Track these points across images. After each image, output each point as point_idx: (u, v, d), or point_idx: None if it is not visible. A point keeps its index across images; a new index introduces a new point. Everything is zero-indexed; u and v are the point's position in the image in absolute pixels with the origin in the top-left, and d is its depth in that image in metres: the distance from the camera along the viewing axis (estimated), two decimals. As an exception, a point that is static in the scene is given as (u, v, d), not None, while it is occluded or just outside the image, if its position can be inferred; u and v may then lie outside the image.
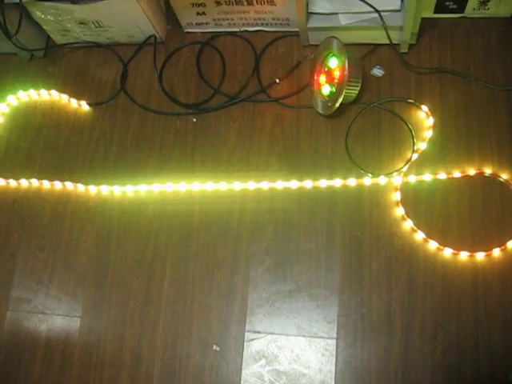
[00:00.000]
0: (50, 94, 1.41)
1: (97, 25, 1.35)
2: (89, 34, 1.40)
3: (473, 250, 1.12)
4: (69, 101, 1.40)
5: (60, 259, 1.26)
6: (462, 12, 1.27)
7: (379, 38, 1.25)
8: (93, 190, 1.30)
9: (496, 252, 1.11)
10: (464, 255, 1.12)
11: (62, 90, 1.41)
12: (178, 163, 1.29)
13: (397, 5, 1.20)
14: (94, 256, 1.25)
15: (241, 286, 1.17)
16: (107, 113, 1.37)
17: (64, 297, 1.23)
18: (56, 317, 1.22)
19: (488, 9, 1.24)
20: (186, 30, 1.40)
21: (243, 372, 1.12)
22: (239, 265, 1.19)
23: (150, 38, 1.39)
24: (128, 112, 1.36)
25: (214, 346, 1.14)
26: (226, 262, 1.20)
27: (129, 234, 1.25)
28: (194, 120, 1.32)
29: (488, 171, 1.16)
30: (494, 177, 1.16)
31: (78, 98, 1.40)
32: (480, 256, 1.11)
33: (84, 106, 1.39)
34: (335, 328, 1.11)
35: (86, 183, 1.30)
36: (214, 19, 1.35)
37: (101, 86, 1.41)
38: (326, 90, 1.23)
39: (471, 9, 1.25)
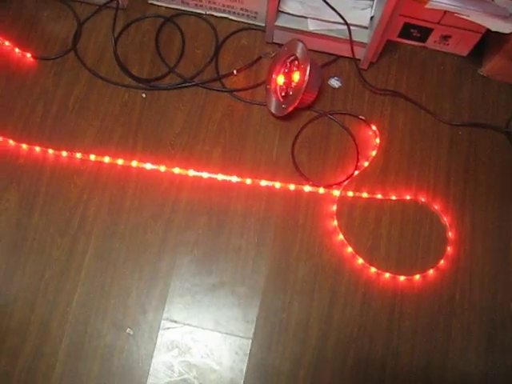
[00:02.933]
0: (-8, 40, 1.33)
1: (57, -24, 1.28)
2: (46, -17, 1.32)
3: (396, 272, 1.15)
4: (12, 49, 1.31)
5: (-24, 215, 1.19)
6: (424, 42, 1.30)
7: (343, 50, 1.26)
8: (25, 148, 1.23)
9: (417, 278, 1.15)
10: (387, 276, 1.15)
11: (7, 37, 1.32)
12: (119, 137, 1.24)
13: (366, 22, 1.21)
14: (14, 217, 1.18)
15: (164, 272, 1.15)
16: (53, 70, 1.30)
17: (-25, 255, 1.16)
18: (-37, 275, 1.15)
19: (448, 44, 1.28)
20: (150, 1, 1.35)
21: (154, 359, 1.10)
22: (166, 251, 1.16)
23: (111, 1, 1.33)
24: (75, 74, 1.30)
25: (128, 330, 1.12)
26: (153, 246, 1.17)
27: (56, 200, 1.19)
28: (144, 95, 1.28)
29: (422, 199, 1.20)
30: (427, 205, 1.20)
31: (24, 48, 1.31)
32: (401, 279, 1.15)
33: (28, 58, 1.31)
34: (253, 329, 1.11)
35: (18, 140, 1.23)
36: (182, -4, 1.31)
37: (50, 41, 1.33)
38: (282, 91, 1.23)
39: (432, 41, 1.28)
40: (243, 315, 1.13)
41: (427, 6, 1.09)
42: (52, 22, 1.35)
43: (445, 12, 1.15)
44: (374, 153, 1.23)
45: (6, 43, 1.32)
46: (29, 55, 1.31)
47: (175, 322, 1.12)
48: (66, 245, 1.17)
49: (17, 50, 1.31)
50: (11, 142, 1.23)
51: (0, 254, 1.16)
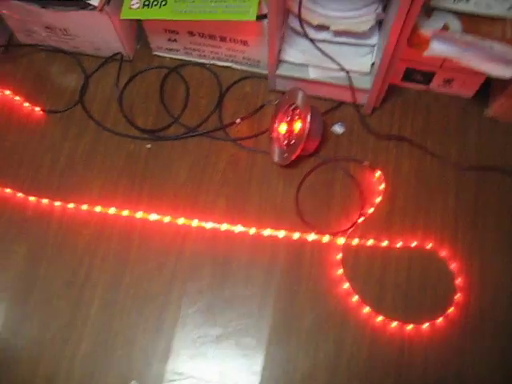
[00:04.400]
0: (3, 93, 1.36)
1: (64, 32, 1.31)
2: (54, 39, 1.36)
3: (404, 320, 1.13)
4: (23, 103, 1.35)
5: (-15, 268, 1.21)
6: (427, 85, 1.29)
7: (345, 96, 1.26)
8: (33, 200, 1.25)
9: (425, 326, 1.12)
10: (394, 324, 1.13)
11: (17, 91, 1.36)
12: (125, 187, 1.26)
13: (366, 68, 1.21)
14: (22, 269, 1.20)
15: (169, 323, 1.15)
16: (61, 123, 1.33)
17: (-17, 309, 1.18)
18: (-29, 328, 1.17)
19: (451, 87, 1.27)
20: (154, 53, 1.38)
21: (158, 413, 1.09)
22: (171, 302, 1.16)
23: (116, 54, 1.36)
24: (82, 126, 1.33)
25: (133, 382, 1.11)
26: (157, 297, 1.17)
27: (63, 252, 1.21)
28: (149, 146, 1.29)
29: (429, 246, 1.18)
30: (433, 252, 1.18)
31: (33, 102, 1.35)
32: (409, 328, 1.12)
33: (38, 112, 1.34)
34: (258, 381, 1.10)
35: (26, 193, 1.26)
36: (185, 48, 1.33)
37: (59, 94, 1.37)
38: (285, 139, 1.23)
39: (436, 84, 1.28)
40: (248, 367, 1.11)
41: (425, 54, 1.09)
42: (60, 75, 1.39)
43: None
44: (379, 199, 1.22)
45: (17, 98, 1.35)
46: (38, 109, 1.34)
47: (180, 374, 1.12)
48: (73, 296, 1.18)
49: (26, 104, 1.35)
50: (20, 194, 1.26)
51: (8, 305, 1.17)
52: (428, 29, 1.07)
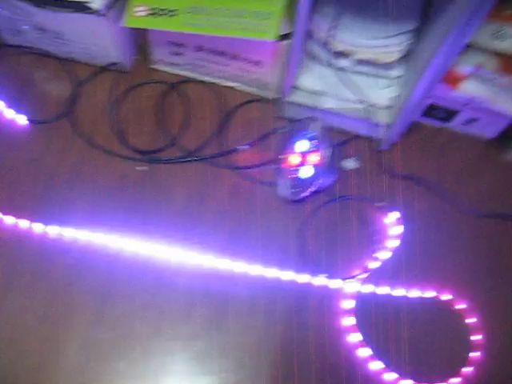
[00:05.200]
0: (-17, 97, 1.23)
1: (56, 36, 1.19)
2: (44, 42, 1.23)
3: (416, 378, 1.02)
4: (5, 109, 1.21)
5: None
6: (449, 122, 1.21)
7: (361, 128, 1.17)
8: (9, 221, 1.11)
9: (438, 388, 1.03)
10: (405, 383, 1.02)
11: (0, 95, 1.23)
12: (113, 213, 1.13)
13: (385, 101, 1.12)
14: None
15: (155, 370, 1.01)
16: (45, 135, 1.20)
17: None
18: None
19: (474, 126, 1.19)
20: (154, 66, 1.27)
21: None
22: (159, 345, 1.03)
23: (113, 64, 1.24)
24: (69, 140, 1.19)
25: None
26: (143, 340, 1.04)
27: (39, 281, 1.07)
28: (143, 168, 1.17)
29: (445, 297, 1.08)
30: (450, 305, 1.08)
31: (17, 108, 1.22)
32: (421, 388, 1.02)
33: (21, 120, 1.21)
34: None
35: (2, 211, 1.11)
36: (190, 63, 1.22)
37: (46, 103, 1.23)
38: (295, 173, 1.12)
39: (458, 122, 1.20)
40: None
41: (457, 93, 1.01)
42: (49, 82, 1.26)
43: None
44: (395, 243, 1.12)
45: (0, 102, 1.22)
46: (21, 117, 1.21)
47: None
48: (45, 333, 1.03)
49: (9, 110, 1.21)
50: (-6, 213, 1.12)
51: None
52: (463, 66, 0.98)
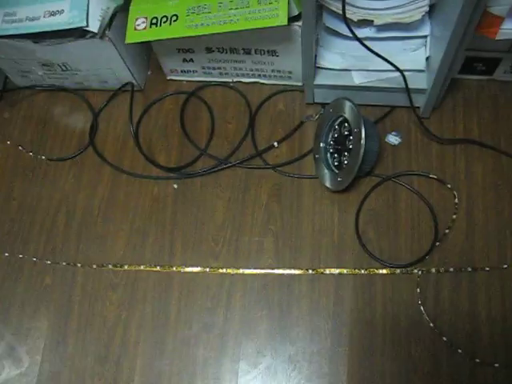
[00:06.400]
0: (3, 144, 1.19)
1: (63, 67, 1.14)
2: (54, 76, 1.19)
3: (506, 364, 0.93)
4: (26, 154, 1.18)
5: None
6: (491, 74, 1.10)
7: (397, 100, 1.07)
8: (50, 265, 1.07)
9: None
10: (495, 369, 0.93)
11: (19, 140, 1.20)
12: (154, 238, 1.08)
13: (421, 64, 1.03)
14: (46, 348, 1.02)
15: (225, 395, 0.96)
16: (71, 171, 1.16)
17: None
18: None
19: (520, 72, 1.08)
20: (169, 78, 1.21)
21: None
22: (225, 368, 0.98)
23: (126, 84, 1.19)
24: (96, 172, 1.15)
25: None
26: (208, 364, 0.98)
27: (91, 322, 1.03)
28: (175, 186, 1.11)
29: (524, 263, 0.98)
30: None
31: (38, 150, 1.18)
32: (514, 373, 0.92)
33: (44, 161, 1.17)
34: None
35: (42, 258, 1.08)
36: (203, 67, 1.15)
37: (66, 138, 1.19)
38: (335, 160, 1.04)
39: (502, 71, 1.08)
40: None
41: (497, 37, 0.90)
42: (65, 117, 1.21)
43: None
44: (454, 216, 1.02)
45: (19, 148, 1.19)
46: (43, 157, 1.17)
47: None
48: (109, 374, 0.99)
49: (30, 153, 1.18)
50: (34, 259, 1.08)
51: (35, 391, 1.00)
52: (499, 7, 0.87)
